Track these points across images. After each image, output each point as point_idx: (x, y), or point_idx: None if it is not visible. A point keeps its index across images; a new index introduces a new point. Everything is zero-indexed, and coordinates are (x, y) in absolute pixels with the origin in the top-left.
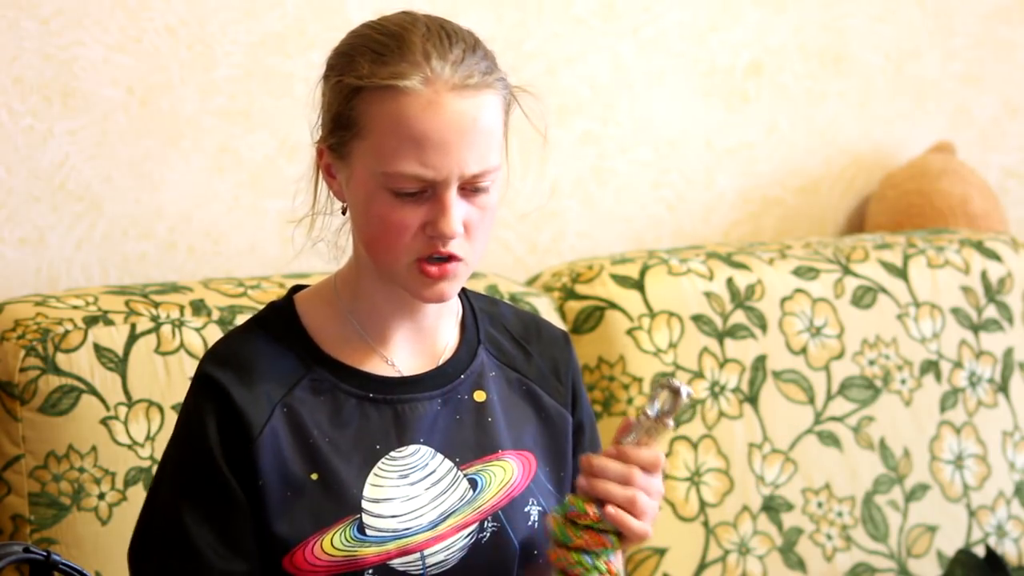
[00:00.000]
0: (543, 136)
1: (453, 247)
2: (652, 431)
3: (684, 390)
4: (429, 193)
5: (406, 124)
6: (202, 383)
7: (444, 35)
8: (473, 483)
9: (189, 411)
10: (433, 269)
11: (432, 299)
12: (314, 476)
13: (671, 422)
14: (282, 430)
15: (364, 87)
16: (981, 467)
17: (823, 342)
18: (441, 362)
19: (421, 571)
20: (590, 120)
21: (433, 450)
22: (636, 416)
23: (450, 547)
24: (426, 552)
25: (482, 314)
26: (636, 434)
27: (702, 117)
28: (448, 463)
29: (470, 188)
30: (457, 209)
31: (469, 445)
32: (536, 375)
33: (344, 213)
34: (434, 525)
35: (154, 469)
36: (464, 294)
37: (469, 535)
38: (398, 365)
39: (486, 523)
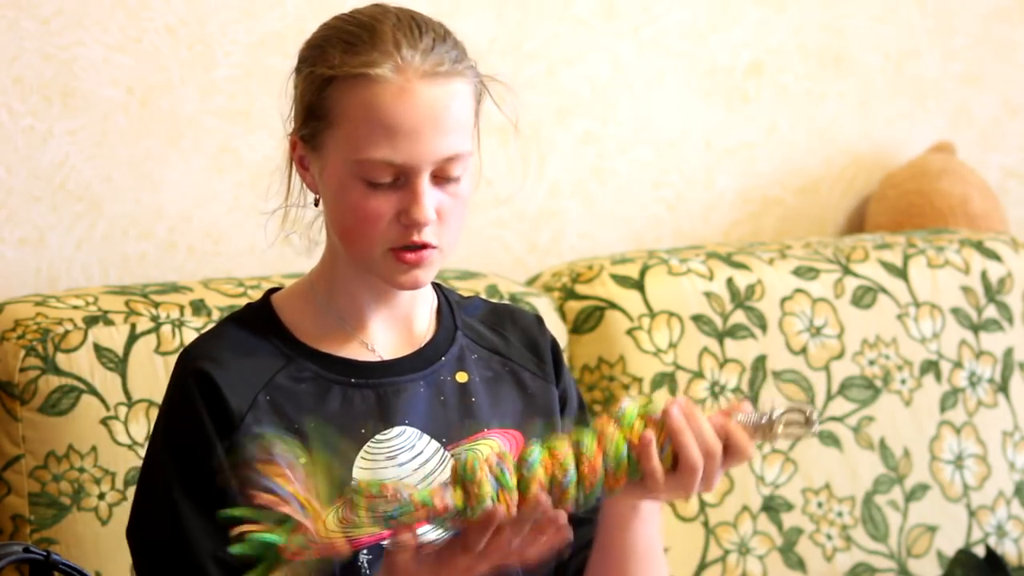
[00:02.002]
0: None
1: (426, 235)
2: (762, 432)
3: (815, 427)
4: (402, 181)
5: (378, 112)
6: (184, 373)
7: (415, 25)
8: None
9: (174, 401)
10: (409, 256)
11: (407, 286)
12: (303, 461)
13: (776, 437)
14: (266, 417)
15: (336, 76)
16: (981, 467)
17: (823, 342)
18: (421, 346)
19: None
20: (590, 120)
21: (419, 431)
22: (762, 411)
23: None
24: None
25: (456, 305)
26: (748, 420)
27: (702, 117)
28: (435, 444)
29: (442, 176)
30: (429, 197)
31: (454, 425)
32: (517, 355)
33: (317, 205)
34: None
35: None
36: (439, 288)
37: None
38: (379, 350)
39: None
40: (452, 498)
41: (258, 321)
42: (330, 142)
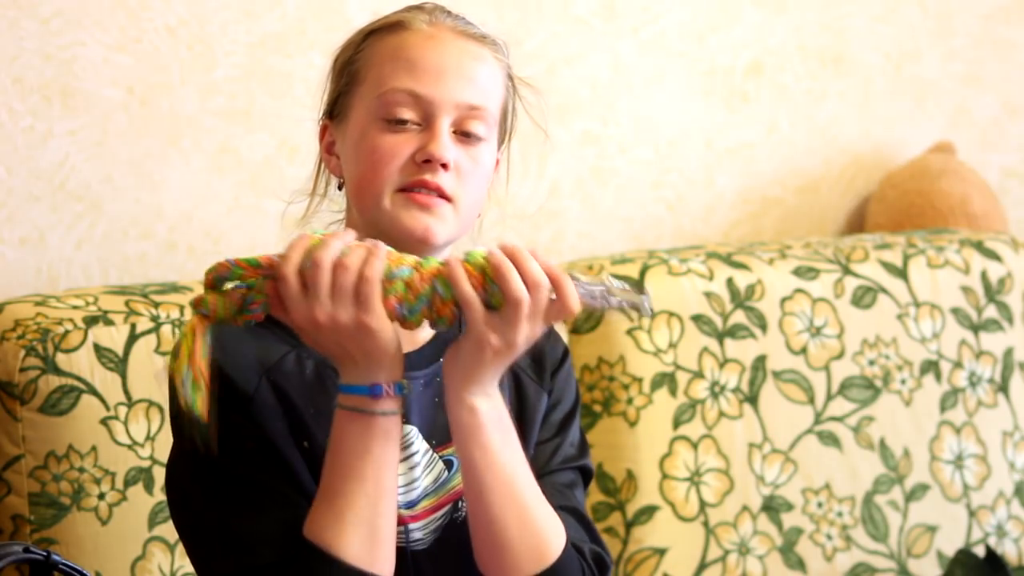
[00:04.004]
0: (544, 132)
1: (441, 179)
2: (597, 298)
3: (647, 308)
4: (423, 127)
5: (405, 50)
6: None
7: (457, 12)
8: (448, 464)
9: None
10: (420, 196)
11: (416, 231)
12: (305, 444)
13: (606, 311)
14: (270, 400)
15: (372, 31)
16: (981, 467)
17: (823, 342)
18: (421, 344)
19: (404, 544)
20: (590, 120)
21: (416, 429)
22: (601, 280)
23: (425, 527)
24: (413, 527)
25: None
26: (582, 279)
27: (702, 117)
28: (425, 444)
29: (462, 131)
30: (448, 138)
31: (445, 427)
32: (520, 359)
33: (340, 189)
34: (411, 505)
35: (154, 469)
36: None
37: (443, 516)
38: None
39: (460, 503)
40: (278, 257)
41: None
42: (356, 100)
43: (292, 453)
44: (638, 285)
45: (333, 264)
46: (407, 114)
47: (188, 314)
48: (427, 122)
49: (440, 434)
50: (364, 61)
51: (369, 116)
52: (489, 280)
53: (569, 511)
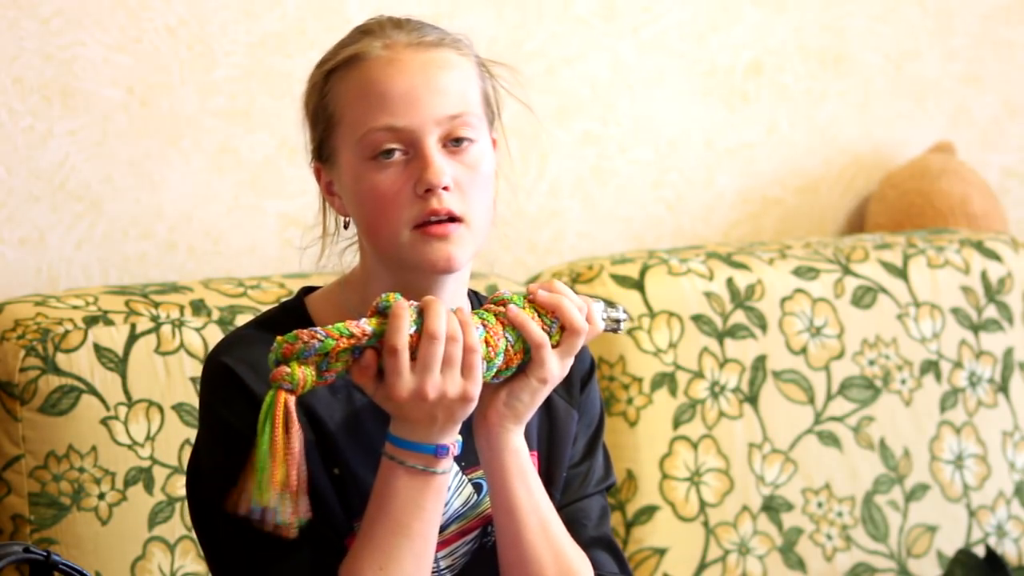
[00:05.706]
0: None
1: (448, 202)
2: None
3: (623, 326)
4: (411, 154)
5: (370, 85)
6: (221, 373)
7: (405, 19)
8: (478, 487)
9: (213, 406)
10: (435, 228)
11: (440, 264)
12: (336, 471)
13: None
14: (304, 427)
15: (331, 69)
16: (981, 467)
17: (823, 342)
18: None
19: (437, 572)
20: (590, 120)
21: None
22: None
23: (454, 553)
24: (439, 555)
25: None
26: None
27: (702, 117)
28: (456, 467)
29: (450, 141)
30: (440, 159)
31: (474, 449)
32: None
33: (347, 227)
34: (440, 530)
35: (154, 469)
36: (477, 298)
37: (472, 540)
38: None
39: (490, 527)
40: (368, 324)
41: (293, 325)
42: (339, 142)
43: (323, 483)
44: (610, 302)
45: (446, 335)
46: (393, 147)
47: (189, 314)
48: (414, 148)
49: (469, 456)
50: (334, 103)
51: (356, 158)
52: (545, 319)
53: (602, 543)
